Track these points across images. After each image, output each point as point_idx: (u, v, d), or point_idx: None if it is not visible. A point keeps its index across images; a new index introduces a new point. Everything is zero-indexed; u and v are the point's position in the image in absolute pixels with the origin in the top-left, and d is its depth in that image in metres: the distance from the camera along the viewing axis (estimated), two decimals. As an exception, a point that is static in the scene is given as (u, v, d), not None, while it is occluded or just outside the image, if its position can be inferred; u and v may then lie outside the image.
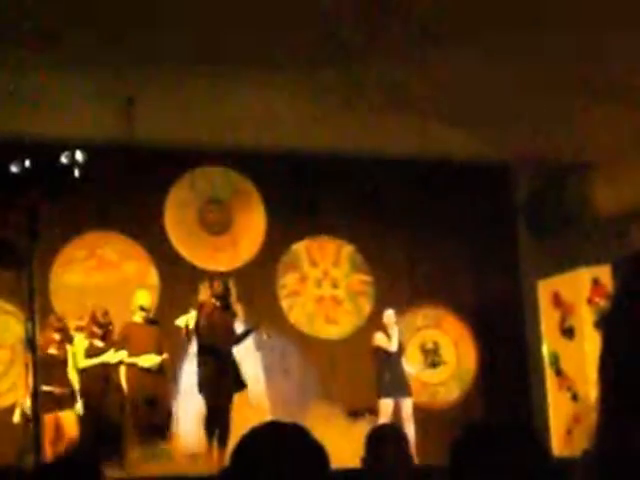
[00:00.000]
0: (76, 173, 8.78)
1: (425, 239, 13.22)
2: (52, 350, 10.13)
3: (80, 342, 10.39)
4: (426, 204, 13.15)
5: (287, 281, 13.00)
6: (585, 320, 12.35)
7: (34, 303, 8.47)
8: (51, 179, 8.73)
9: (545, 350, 13.03)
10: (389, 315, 11.35)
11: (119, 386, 10.28)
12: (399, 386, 11.05)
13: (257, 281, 12.30)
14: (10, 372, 11.32)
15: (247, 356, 10.63)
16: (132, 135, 11.31)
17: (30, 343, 8.52)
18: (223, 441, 9.86)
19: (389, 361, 11.09)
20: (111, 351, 10.32)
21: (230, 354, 10.32)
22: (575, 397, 12.44)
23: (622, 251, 11.61)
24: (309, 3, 9.29)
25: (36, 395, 8.42)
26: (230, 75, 10.67)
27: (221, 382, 10.11)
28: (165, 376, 10.64)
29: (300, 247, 13.10)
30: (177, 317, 10.55)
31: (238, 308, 10.44)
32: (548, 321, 13.01)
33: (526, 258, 13.65)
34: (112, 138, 11.29)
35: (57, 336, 10.22)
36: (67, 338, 10.39)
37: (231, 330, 10.46)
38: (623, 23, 9.26)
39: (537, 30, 9.48)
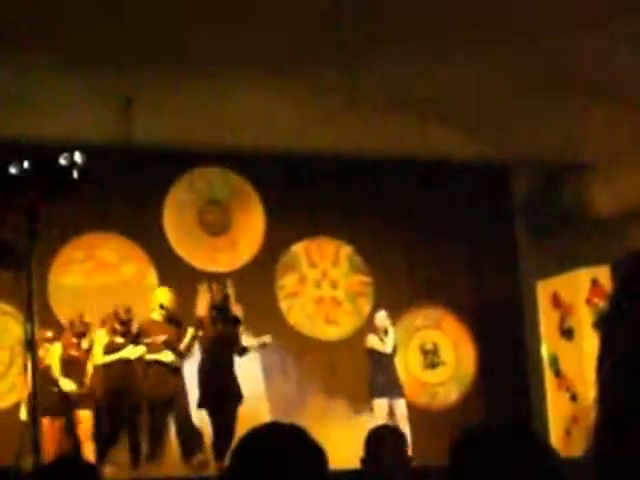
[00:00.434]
0: (75, 174, 8.77)
1: (424, 239, 13.21)
2: (72, 352, 10.16)
3: (101, 338, 10.36)
4: (426, 204, 13.15)
5: (286, 282, 12.99)
6: (584, 321, 12.34)
7: (33, 304, 8.47)
8: (50, 180, 8.72)
9: (544, 351, 13.03)
10: (381, 317, 11.32)
11: (137, 384, 10.21)
12: (392, 387, 11.05)
13: (256, 282, 12.29)
14: (9, 373, 11.32)
15: (246, 357, 10.58)
16: (131, 136, 11.31)
17: (29, 344, 8.52)
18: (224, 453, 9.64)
19: (382, 362, 11.07)
20: (130, 347, 10.27)
21: (231, 370, 10.19)
22: (574, 398, 12.44)
23: (621, 251, 11.60)
24: (309, 3, 9.30)
25: (35, 396, 8.41)
26: (229, 75, 10.68)
27: (224, 400, 9.95)
28: (182, 376, 10.49)
29: (299, 248, 13.09)
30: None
31: (237, 309, 10.38)
32: (547, 322, 13.01)
33: (525, 259, 13.66)
34: (111, 139, 11.29)
35: (75, 340, 10.24)
36: (88, 340, 10.36)
37: (234, 341, 10.26)
38: (619, 24, 9.27)
39: (537, 30, 9.49)
